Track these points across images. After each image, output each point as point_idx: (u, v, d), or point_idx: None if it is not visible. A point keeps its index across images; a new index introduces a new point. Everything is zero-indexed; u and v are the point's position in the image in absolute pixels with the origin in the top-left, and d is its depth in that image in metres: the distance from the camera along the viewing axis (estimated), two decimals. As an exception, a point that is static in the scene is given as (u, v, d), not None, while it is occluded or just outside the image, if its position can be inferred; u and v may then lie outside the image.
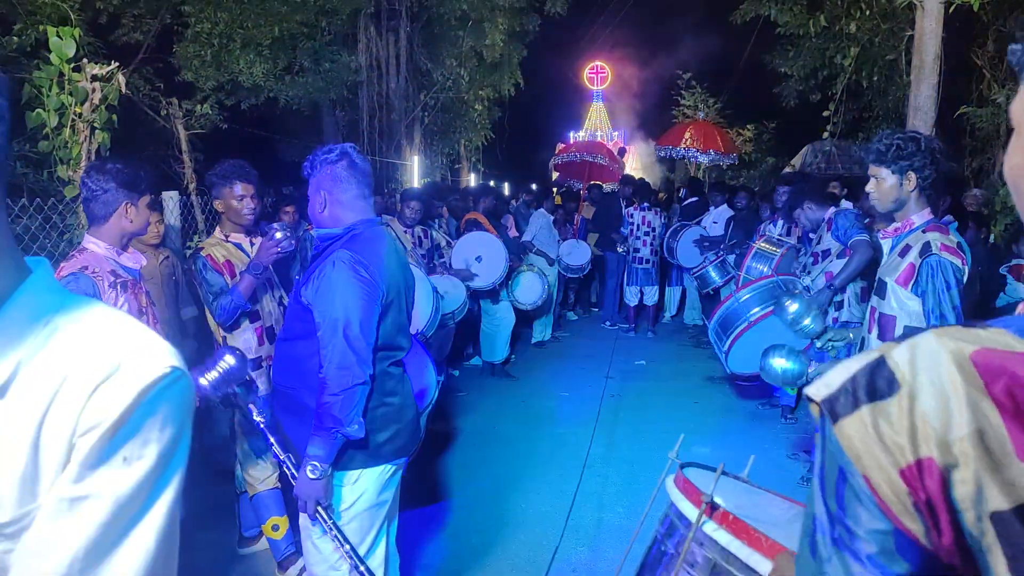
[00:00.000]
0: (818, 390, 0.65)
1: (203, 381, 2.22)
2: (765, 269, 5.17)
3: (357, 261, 2.12)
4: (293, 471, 2.21)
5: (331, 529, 2.15)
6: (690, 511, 1.75)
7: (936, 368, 0.59)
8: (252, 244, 3.15)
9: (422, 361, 3.10)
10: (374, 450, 2.24)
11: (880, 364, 0.62)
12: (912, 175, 2.45)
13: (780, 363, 2.73)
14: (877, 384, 0.61)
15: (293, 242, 2.92)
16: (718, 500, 1.71)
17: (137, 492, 0.71)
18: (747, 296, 4.54)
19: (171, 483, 0.75)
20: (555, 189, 11.73)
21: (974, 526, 0.56)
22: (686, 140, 10.97)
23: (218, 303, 2.93)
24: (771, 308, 4.29)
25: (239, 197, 3.03)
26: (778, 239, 5.57)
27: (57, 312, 0.77)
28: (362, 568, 2.12)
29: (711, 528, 1.69)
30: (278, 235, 2.87)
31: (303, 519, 2.26)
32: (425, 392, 3.04)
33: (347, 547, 2.12)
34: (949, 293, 2.35)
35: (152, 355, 0.76)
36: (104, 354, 0.74)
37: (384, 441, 2.25)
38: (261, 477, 3.19)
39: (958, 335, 0.60)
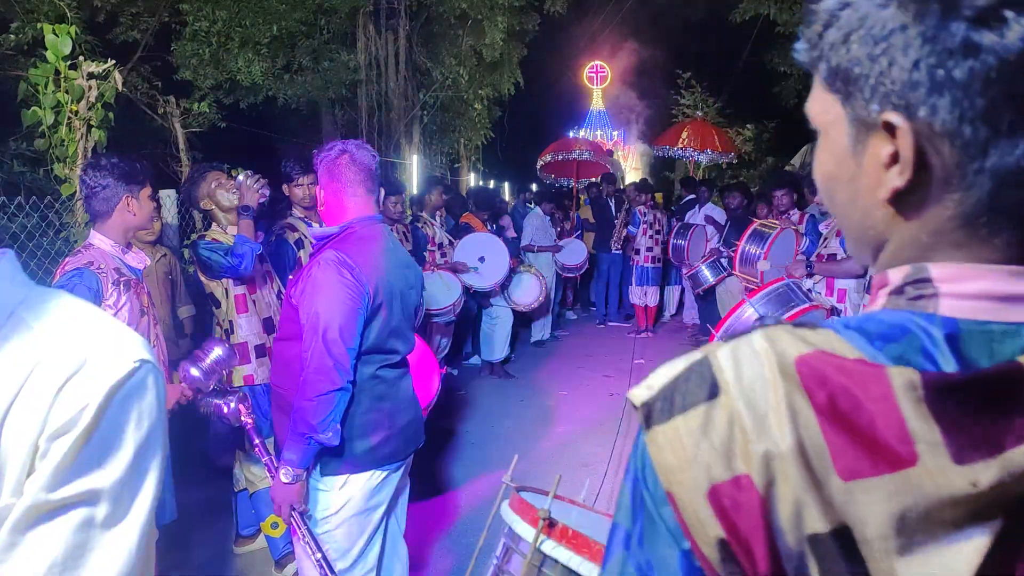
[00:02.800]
0: (639, 393, 0.56)
1: (194, 372, 2.22)
2: (758, 251, 5.09)
3: (342, 262, 2.08)
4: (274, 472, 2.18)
5: (304, 535, 2.10)
6: (527, 531, 1.61)
7: (759, 374, 0.52)
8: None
9: (427, 362, 3.09)
10: (362, 455, 2.19)
11: (703, 365, 0.54)
12: None
13: None
14: (698, 389, 0.53)
15: (264, 180, 3.06)
16: (556, 517, 1.57)
17: (117, 494, 0.69)
18: (760, 304, 4.03)
19: (150, 478, 0.73)
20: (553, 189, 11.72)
21: (794, 550, 0.50)
22: (683, 140, 10.90)
23: (234, 254, 2.96)
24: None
25: (217, 183, 3.12)
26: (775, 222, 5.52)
27: (20, 304, 0.74)
28: None
29: (550, 547, 1.56)
30: (250, 181, 3.01)
31: None
32: (428, 393, 3.03)
33: (318, 555, 2.06)
34: None
35: (119, 348, 0.73)
36: (69, 348, 0.71)
37: (373, 447, 2.20)
38: (262, 475, 3.18)
39: (787, 337, 0.53)
